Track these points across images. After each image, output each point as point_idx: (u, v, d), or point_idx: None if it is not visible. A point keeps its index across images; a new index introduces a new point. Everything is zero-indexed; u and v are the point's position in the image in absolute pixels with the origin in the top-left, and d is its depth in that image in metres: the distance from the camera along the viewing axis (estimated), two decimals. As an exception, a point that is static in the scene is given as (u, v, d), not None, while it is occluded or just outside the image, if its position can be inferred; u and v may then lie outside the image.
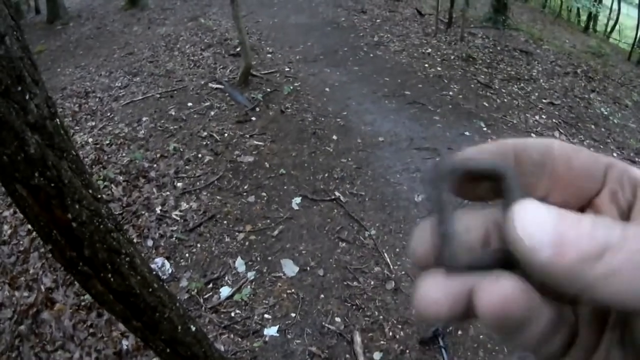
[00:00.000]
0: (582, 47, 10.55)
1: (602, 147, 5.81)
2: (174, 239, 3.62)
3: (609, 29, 15.18)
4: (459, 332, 2.95)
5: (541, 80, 7.45)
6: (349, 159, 4.68)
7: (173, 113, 5.41)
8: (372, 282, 3.30)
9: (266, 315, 3.04)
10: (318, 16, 9.50)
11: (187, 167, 4.46)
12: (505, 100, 6.49)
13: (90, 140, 4.82)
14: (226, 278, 3.32)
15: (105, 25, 9.90)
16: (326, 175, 4.42)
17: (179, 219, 3.82)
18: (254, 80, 6.12)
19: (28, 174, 1.13)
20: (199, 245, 3.60)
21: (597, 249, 0.18)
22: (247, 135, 4.99)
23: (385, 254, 3.51)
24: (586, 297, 0.18)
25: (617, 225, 0.18)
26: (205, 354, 1.84)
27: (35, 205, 1.19)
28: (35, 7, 12.34)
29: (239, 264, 3.43)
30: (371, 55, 7.58)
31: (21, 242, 3.42)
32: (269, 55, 7.31)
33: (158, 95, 5.86)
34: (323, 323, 3.00)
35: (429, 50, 7.88)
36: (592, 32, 14.37)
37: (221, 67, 6.68)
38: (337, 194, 4.14)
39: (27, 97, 1.09)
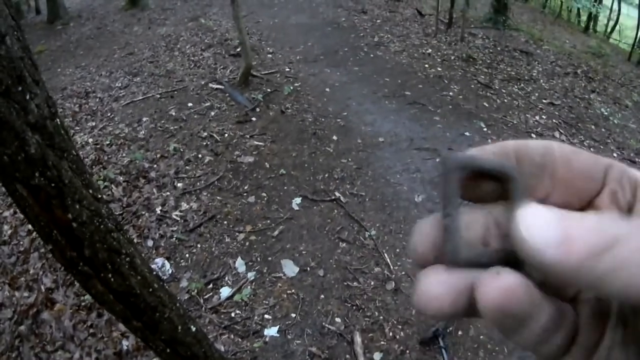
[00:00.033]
0: (582, 47, 10.55)
1: (602, 147, 5.81)
2: (174, 239, 3.62)
3: (609, 30, 15.19)
4: (459, 333, 2.95)
5: (541, 81, 7.45)
6: (349, 160, 4.68)
7: (173, 113, 5.41)
8: (372, 283, 3.30)
9: (266, 316, 3.04)
10: (318, 16, 9.50)
11: (187, 167, 4.46)
12: (506, 100, 6.49)
13: (90, 140, 4.82)
14: (226, 278, 3.32)
15: (105, 25, 9.90)
16: (326, 175, 4.42)
17: (179, 219, 3.82)
18: (254, 81, 6.12)
19: (28, 174, 1.13)
20: (199, 245, 3.60)
21: (606, 241, 0.17)
22: (248, 136, 4.99)
23: (386, 255, 3.51)
24: (595, 292, 0.18)
25: (624, 218, 0.18)
26: (205, 354, 1.84)
27: (36, 205, 1.19)
28: (36, 7, 12.35)
29: (239, 265, 3.43)
30: (371, 55, 7.58)
31: (21, 242, 3.42)
32: (269, 56, 7.31)
33: (158, 96, 5.86)
34: (323, 323, 3.00)
35: (429, 50, 7.88)
36: (592, 33, 14.37)
37: (221, 67, 6.68)
38: (337, 194, 4.14)
39: (27, 97, 1.09)
